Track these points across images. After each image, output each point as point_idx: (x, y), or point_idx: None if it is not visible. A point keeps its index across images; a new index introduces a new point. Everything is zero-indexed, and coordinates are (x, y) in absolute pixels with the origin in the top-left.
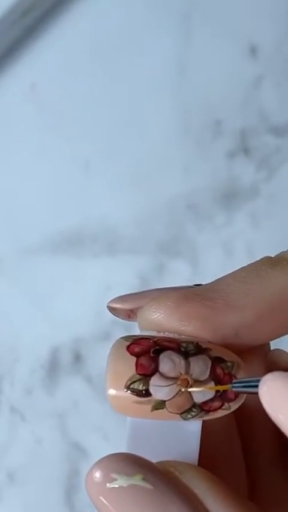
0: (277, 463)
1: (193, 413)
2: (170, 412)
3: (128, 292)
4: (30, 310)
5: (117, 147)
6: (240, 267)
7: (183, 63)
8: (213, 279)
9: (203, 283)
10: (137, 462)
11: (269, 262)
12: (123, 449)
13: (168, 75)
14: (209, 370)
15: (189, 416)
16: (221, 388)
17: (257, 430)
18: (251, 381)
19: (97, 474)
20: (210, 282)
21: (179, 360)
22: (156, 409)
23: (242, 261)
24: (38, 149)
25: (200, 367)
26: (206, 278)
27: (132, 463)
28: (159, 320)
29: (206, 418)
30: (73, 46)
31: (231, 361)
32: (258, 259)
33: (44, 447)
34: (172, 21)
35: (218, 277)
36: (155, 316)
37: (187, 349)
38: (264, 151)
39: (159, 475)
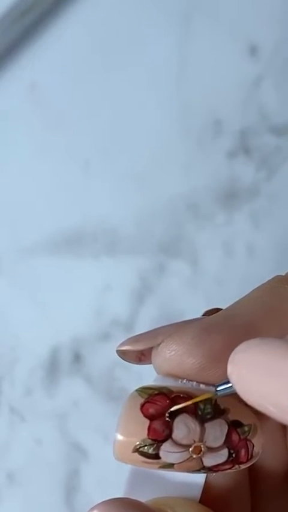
0: (283, 498)
1: (200, 473)
2: (177, 470)
3: (127, 292)
4: (30, 310)
5: (117, 146)
6: (240, 265)
7: (183, 62)
8: (213, 279)
9: (214, 301)
10: (134, 509)
11: (283, 280)
12: (121, 488)
13: (168, 75)
14: (224, 436)
15: (195, 473)
16: (201, 398)
17: (264, 467)
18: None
19: None
20: (226, 307)
21: (194, 426)
22: (164, 467)
23: (242, 261)
24: (38, 149)
25: (215, 433)
26: (206, 278)
27: (129, 510)
28: (179, 358)
29: (212, 473)
30: (73, 46)
31: (249, 425)
32: (258, 258)
33: (44, 447)
34: (172, 21)
35: (218, 277)
36: (175, 354)
37: (204, 412)
38: (264, 151)
39: None
